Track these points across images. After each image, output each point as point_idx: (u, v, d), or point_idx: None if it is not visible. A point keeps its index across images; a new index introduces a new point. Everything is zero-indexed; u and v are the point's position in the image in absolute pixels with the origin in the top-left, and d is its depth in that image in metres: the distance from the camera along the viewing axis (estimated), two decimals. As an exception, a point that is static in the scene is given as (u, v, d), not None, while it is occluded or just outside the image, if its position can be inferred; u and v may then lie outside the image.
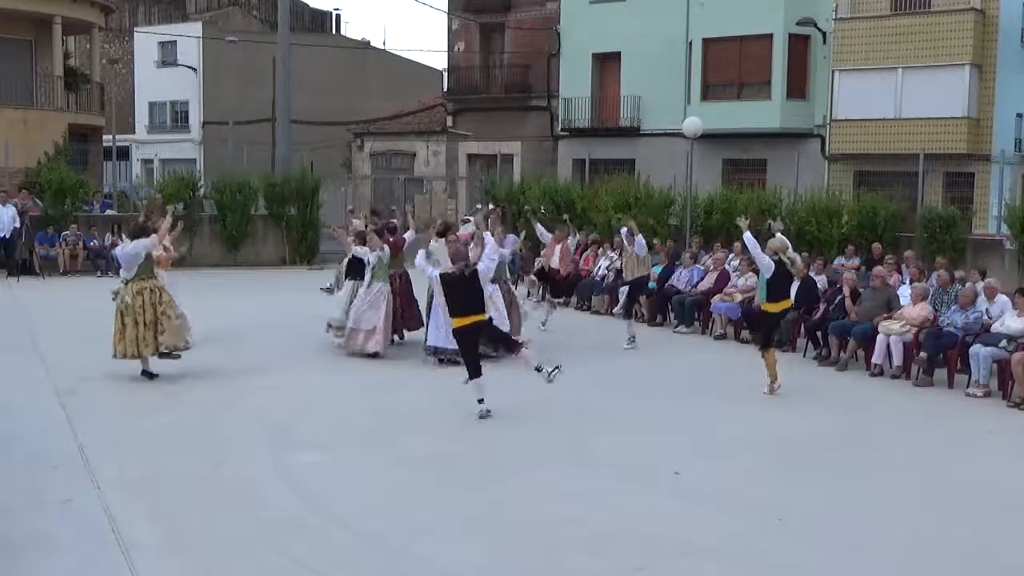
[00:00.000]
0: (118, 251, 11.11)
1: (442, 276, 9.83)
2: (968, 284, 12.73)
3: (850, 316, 12.88)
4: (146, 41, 46.09)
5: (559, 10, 30.17)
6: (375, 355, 12.46)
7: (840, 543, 6.59)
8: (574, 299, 18.01)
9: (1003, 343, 11.06)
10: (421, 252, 10.51)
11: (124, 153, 43.16)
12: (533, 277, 15.96)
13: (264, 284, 20.93)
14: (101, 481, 7.45)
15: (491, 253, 10.41)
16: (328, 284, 14.62)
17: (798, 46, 25.64)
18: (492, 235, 12.84)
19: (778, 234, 11.40)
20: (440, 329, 11.63)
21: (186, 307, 11.86)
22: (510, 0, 31.58)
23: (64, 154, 26.07)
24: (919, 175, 19.59)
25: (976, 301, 12.16)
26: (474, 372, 9.63)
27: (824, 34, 25.21)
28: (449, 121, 33.57)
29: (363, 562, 6.19)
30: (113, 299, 10.88)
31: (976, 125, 23.27)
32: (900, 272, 14.62)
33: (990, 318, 11.81)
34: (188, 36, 44.88)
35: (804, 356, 13.47)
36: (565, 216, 18.12)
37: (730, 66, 26.26)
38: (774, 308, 11.18)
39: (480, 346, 10.71)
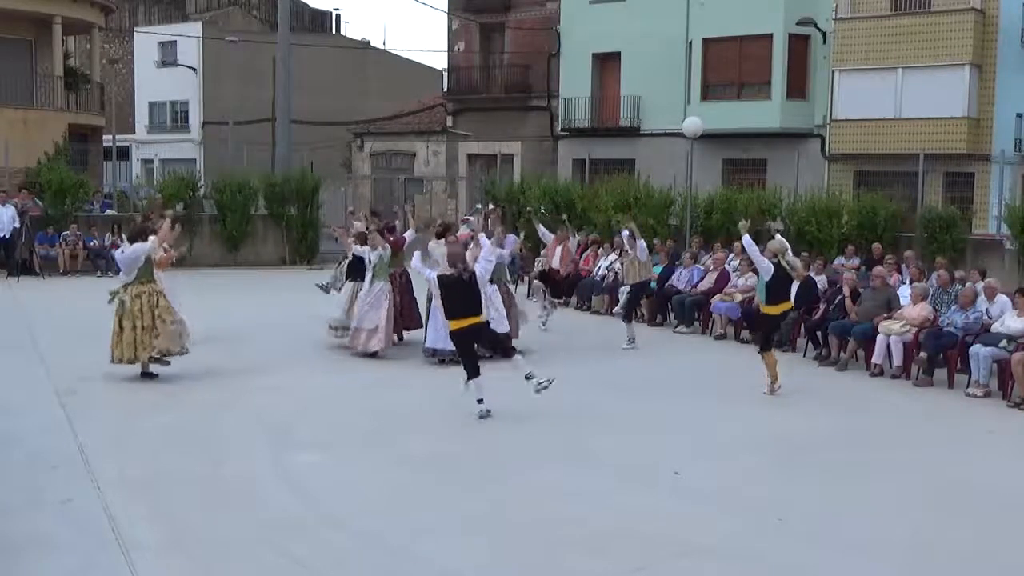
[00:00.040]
0: (117, 255, 11.09)
1: (440, 278, 9.83)
2: (968, 284, 12.73)
3: (850, 316, 12.88)
4: (146, 41, 46.08)
5: (559, 10, 30.15)
6: (375, 354, 12.46)
7: (840, 543, 6.59)
8: (574, 299, 18.01)
9: (1003, 343, 11.06)
10: (417, 254, 10.51)
11: (124, 153, 43.16)
12: (539, 282, 15.93)
13: (264, 284, 20.93)
14: (101, 481, 7.46)
15: (488, 255, 10.43)
16: (324, 282, 14.60)
17: (798, 46, 25.63)
18: (493, 235, 12.91)
19: (777, 236, 11.40)
20: (439, 331, 11.64)
21: (186, 307, 11.86)
22: (510, 0, 31.57)
23: (64, 154, 26.07)
24: (919, 175, 19.59)
25: (976, 301, 12.16)
26: (472, 373, 9.63)
27: (824, 34, 25.20)
28: (449, 121, 33.56)
29: (363, 562, 6.19)
30: (109, 301, 10.88)
31: (976, 125, 23.27)
32: (900, 272, 14.63)
33: (990, 318, 11.82)
34: (188, 36, 44.87)
35: (804, 356, 13.48)
36: (564, 217, 18.12)
37: (730, 66, 26.25)
38: (774, 310, 11.18)
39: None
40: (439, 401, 10.25)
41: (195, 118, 45.84)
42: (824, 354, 13.18)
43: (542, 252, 19.39)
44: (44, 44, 29.36)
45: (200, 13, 50.53)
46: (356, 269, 13.13)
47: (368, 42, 51.90)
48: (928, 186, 20.56)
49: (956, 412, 10.64)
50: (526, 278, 19.98)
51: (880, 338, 12.26)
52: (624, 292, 15.78)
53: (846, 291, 13.20)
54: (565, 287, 17.14)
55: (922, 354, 11.82)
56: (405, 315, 13.27)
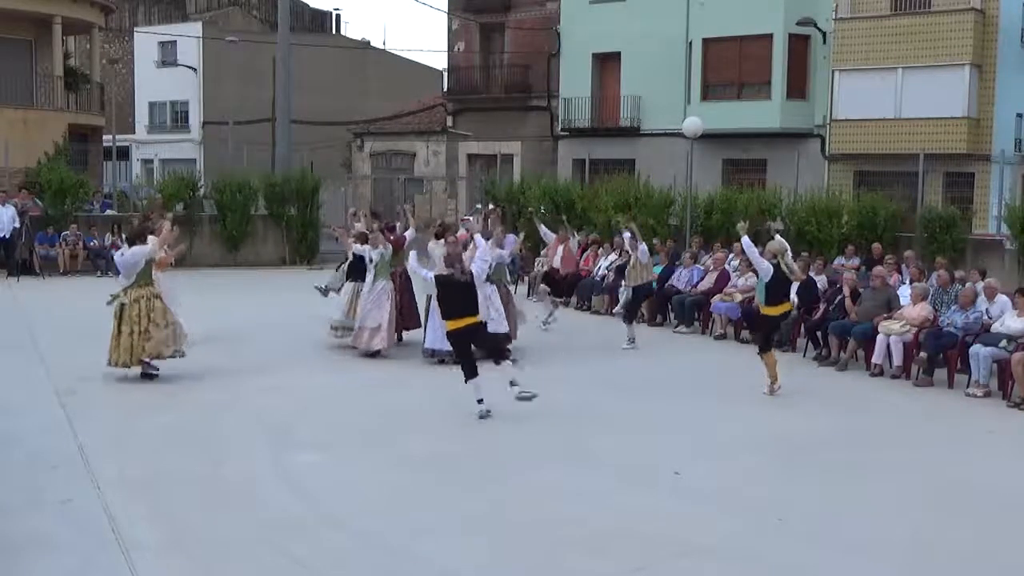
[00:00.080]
0: (116, 258, 11.07)
1: (437, 278, 9.83)
2: (968, 284, 12.73)
3: (850, 316, 12.88)
4: (146, 41, 46.08)
5: (559, 10, 30.15)
6: (378, 353, 12.48)
7: (840, 543, 6.59)
8: (574, 299, 18.01)
9: (1003, 343, 11.06)
10: (412, 254, 10.48)
11: (124, 153, 43.15)
12: (544, 286, 15.91)
13: (264, 284, 20.93)
14: (101, 481, 7.45)
15: (483, 255, 10.47)
16: (323, 284, 14.58)
17: (798, 46, 25.63)
18: (493, 235, 12.93)
19: (777, 236, 11.40)
20: (437, 331, 11.63)
21: (186, 307, 11.86)
22: (510, 0, 31.57)
23: (64, 154, 26.06)
24: (919, 175, 19.58)
25: (976, 301, 12.16)
26: (470, 373, 9.63)
27: (824, 34, 25.20)
28: (449, 121, 33.56)
29: (363, 562, 6.19)
30: (109, 303, 10.88)
31: (976, 125, 23.27)
32: (900, 272, 14.62)
33: (990, 318, 11.82)
34: (188, 36, 44.87)
35: (804, 356, 13.48)
36: (563, 218, 18.13)
37: (730, 66, 26.25)
38: (773, 311, 11.18)
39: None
40: (439, 401, 10.25)
41: (195, 118, 45.84)
42: (824, 354, 13.18)
43: (542, 252, 19.41)
44: (44, 44, 29.36)
45: (200, 13, 50.53)
46: (356, 269, 13.14)
47: (368, 42, 51.93)
48: (928, 186, 20.56)
49: (956, 412, 10.64)
50: (526, 278, 20.00)
51: (880, 338, 12.26)
52: (624, 292, 15.80)
53: (846, 291, 13.20)
54: (565, 287, 17.16)
55: (922, 354, 11.82)
56: (405, 315, 13.27)
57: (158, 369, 11.00)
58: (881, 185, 21.05)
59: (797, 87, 25.72)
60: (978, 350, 11.18)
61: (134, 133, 46.62)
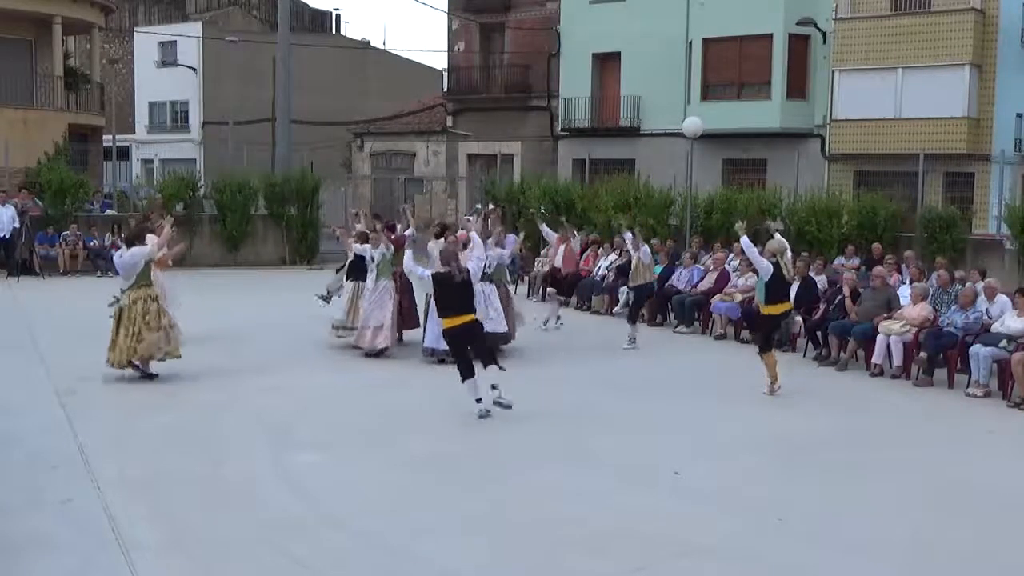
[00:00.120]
0: (116, 260, 11.03)
1: (434, 276, 9.82)
2: (968, 284, 12.73)
3: (850, 316, 12.88)
4: (146, 41, 46.09)
5: (559, 10, 30.15)
6: (384, 351, 12.50)
7: (840, 543, 6.59)
8: (574, 299, 18.01)
9: (1003, 343, 11.06)
10: (408, 252, 10.47)
11: (124, 153, 43.16)
12: (553, 289, 15.88)
13: (264, 284, 20.93)
14: (101, 481, 7.45)
15: (479, 253, 10.48)
16: (324, 292, 14.56)
17: (798, 46, 25.63)
18: (492, 235, 12.95)
19: (776, 235, 11.41)
20: (436, 330, 11.64)
21: (186, 307, 11.86)
22: (510, 0, 31.57)
23: (64, 154, 26.07)
24: (919, 175, 19.59)
25: (976, 301, 12.16)
26: (467, 373, 9.61)
27: (824, 34, 25.20)
28: (449, 121, 33.56)
29: (363, 562, 6.19)
30: (110, 305, 10.88)
31: (976, 125, 23.27)
32: (900, 272, 14.62)
33: (990, 318, 11.81)
34: (188, 36, 44.88)
35: (804, 356, 13.48)
36: (563, 219, 18.12)
37: (730, 66, 26.25)
38: (773, 311, 11.18)
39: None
40: (439, 401, 10.24)
41: (195, 118, 45.85)
42: (824, 354, 13.18)
43: (542, 252, 19.42)
44: (44, 44, 29.36)
45: (200, 13, 50.54)
46: (357, 269, 13.14)
47: (368, 42, 51.94)
48: (928, 186, 20.56)
49: (956, 412, 10.64)
50: (526, 278, 20.01)
51: (880, 338, 12.26)
52: (624, 292, 15.82)
53: (846, 291, 13.20)
54: (566, 287, 17.16)
55: (922, 354, 11.82)
56: (404, 315, 13.28)
57: (156, 373, 11.00)
58: (881, 185, 21.05)
59: (797, 87, 25.72)
60: (978, 350, 11.18)
61: (134, 133, 46.63)
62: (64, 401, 9.94)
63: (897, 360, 12.09)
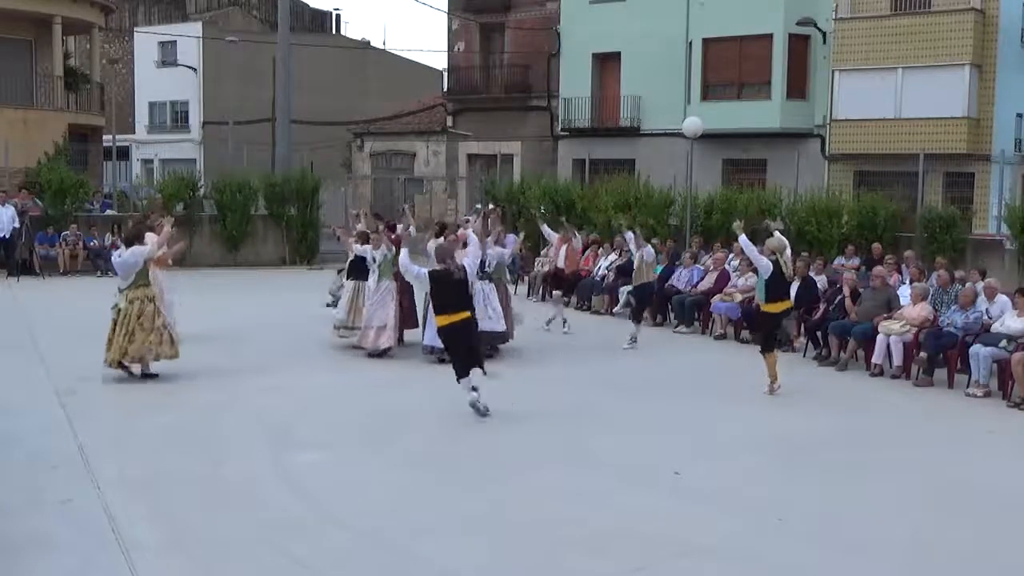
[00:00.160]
0: (115, 260, 11.00)
1: (431, 273, 9.82)
2: (968, 284, 12.73)
3: (850, 316, 12.88)
4: (146, 41, 46.09)
5: (559, 10, 30.15)
6: (387, 351, 12.50)
7: (840, 543, 6.59)
8: (574, 299, 18.00)
9: (1003, 343, 11.06)
10: (404, 251, 10.46)
11: (124, 153, 43.16)
12: (559, 292, 15.84)
13: (264, 284, 20.93)
14: (101, 481, 7.45)
15: (474, 251, 10.49)
16: (330, 299, 14.55)
17: (798, 46, 25.63)
18: (492, 233, 12.95)
19: (776, 233, 11.43)
20: (435, 329, 11.64)
21: (186, 307, 11.86)
22: (510, 0, 31.57)
23: (64, 154, 26.08)
24: (919, 175, 19.59)
25: (976, 301, 12.16)
26: (462, 372, 9.60)
27: (824, 34, 25.20)
28: (449, 121, 33.56)
29: (363, 562, 6.19)
30: (113, 307, 10.88)
31: (976, 125, 23.27)
32: (900, 272, 14.63)
33: (990, 318, 11.81)
34: (188, 36, 44.88)
35: (804, 356, 13.47)
36: (563, 219, 18.12)
37: (730, 66, 26.25)
38: (774, 309, 11.18)
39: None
40: (439, 401, 10.24)
41: (195, 118, 45.86)
42: (824, 354, 13.18)
43: (542, 252, 19.42)
44: (44, 44, 29.36)
45: (200, 13, 50.54)
46: (357, 269, 13.14)
47: (368, 42, 51.94)
48: (928, 186, 20.56)
49: (956, 412, 10.64)
50: (526, 278, 20.01)
51: (880, 338, 12.26)
52: (624, 292, 15.80)
53: (846, 291, 13.20)
54: (566, 287, 17.14)
55: (922, 354, 11.82)
56: (404, 315, 13.28)
57: (156, 373, 10.99)
58: (881, 185, 21.06)
59: (797, 87, 25.71)
60: (978, 350, 11.18)
61: (134, 133, 46.63)
62: (64, 401, 9.94)
63: (897, 360, 12.09)
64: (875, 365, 12.30)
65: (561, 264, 16.70)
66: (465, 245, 11.70)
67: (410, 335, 13.43)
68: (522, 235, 17.32)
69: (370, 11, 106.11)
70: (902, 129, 23.55)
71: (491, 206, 17.40)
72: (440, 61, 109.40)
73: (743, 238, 11.27)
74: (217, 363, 11.85)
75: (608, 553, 6.31)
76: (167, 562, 6.08)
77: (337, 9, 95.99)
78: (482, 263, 12.37)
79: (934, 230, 17.64)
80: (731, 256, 16.21)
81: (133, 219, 14.42)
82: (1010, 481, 8.14)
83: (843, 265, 15.72)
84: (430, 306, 11.80)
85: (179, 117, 46.72)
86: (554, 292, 15.97)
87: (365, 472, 8.01)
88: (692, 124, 19.96)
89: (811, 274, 14.29)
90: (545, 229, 17.14)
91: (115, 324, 10.73)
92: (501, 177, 27.00)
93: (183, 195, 23.74)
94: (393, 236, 13.22)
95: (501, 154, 30.10)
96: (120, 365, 10.83)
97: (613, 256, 17.94)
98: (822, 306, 13.53)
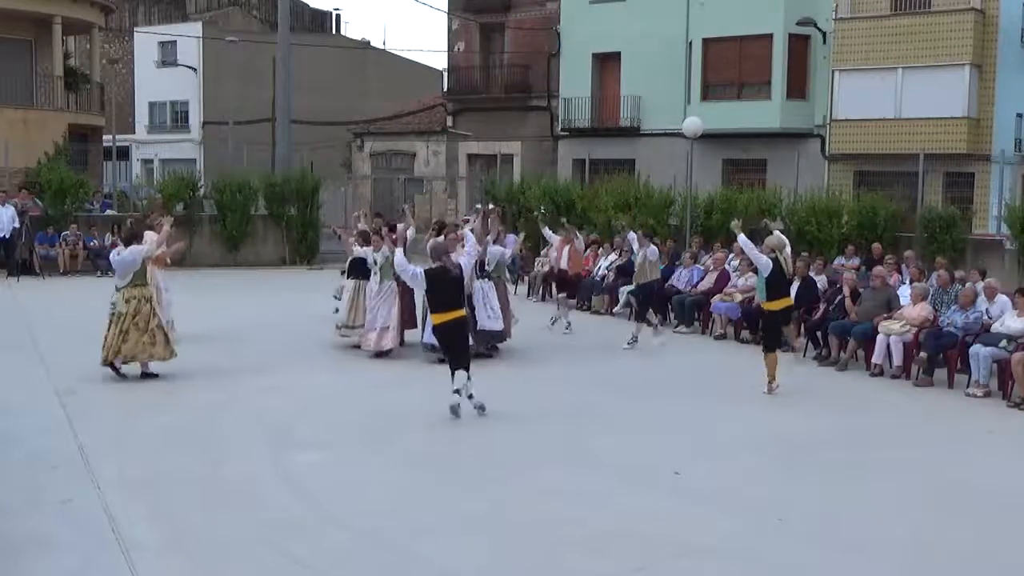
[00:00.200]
0: (113, 258, 11.00)
1: (427, 271, 9.82)
2: (968, 284, 12.73)
3: (850, 316, 12.88)
4: (146, 41, 46.09)
5: (559, 10, 30.16)
6: (389, 352, 12.50)
7: (840, 543, 6.59)
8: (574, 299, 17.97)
9: (1003, 343, 11.06)
10: (399, 251, 10.45)
11: (124, 153, 43.16)
12: (564, 295, 15.81)
13: (264, 284, 20.93)
14: (101, 481, 7.45)
15: (471, 250, 10.51)
16: (338, 308, 14.55)
17: (798, 46, 25.63)
18: (491, 232, 12.95)
19: (776, 232, 11.43)
20: None
21: (186, 307, 11.86)
22: (510, 0, 31.57)
23: (64, 154, 26.07)
24: (919, 175, 19.59)
25: (976, 301, 12.16)
26: (462, 367, 9.59)
27: (824, 34, 25.20)
28: (449, 121, 33.57)
29: (363, 562, 6.19)
30: (109, 306, 10.88)
31: (976, 125, 23.27)
32: (900, 272, 14.62)
33: (990, 318, 11.81)
34: (188, 36, 44.88)
35: (804, 356, 13.47)
36: (563, 220, 18.11)
37: (730, 66, 26.25)
38: (774, 307, 11.19)
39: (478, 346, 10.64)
40: (439, 401, 10.20)
41: (195, 118, 45.86)
42: (824, 354, 13.18)
43: (542, 252, 19.39)
44: (44, 44, 29.36)
45: (200, 13, 50.54)
46: (357, 268, 13.14)
47: (368, 42, 51.94)
48: (928, 186, 20.56)
49: (956, 412, 10.64)
50: (526, 278, 20.00)
51: (880, 338, 12.26)
52: (624, 292, 15.79)
53: (846, 291, 13.20)
54: (571, 289, 17.08)
55: (922, 354, 11.82)
56: (404, 316, 13.27)
57: (156, 373, 10.99)
58: (881, 185, 21.06)
59: (797, 87, 25.72)
60: (978, 350, 11.17)
61: (134, 133, 46.64)
62: (64, 401, 9.94)
63: (897, 360, 12.09)
64: (875, 365, 12.30)
65: (564, 266, 16.66)
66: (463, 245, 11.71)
67: (410, 335, 13.43)
68: (522, 235, 17.30)
69: (370, 11, 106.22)
70: (902, 129, 23.55)
71: (491, 206, 17.38)
72: (440, 61, 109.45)
73: (742, 237, 11.28)
74: (217, 363, 11.85)
75: (608, 553, 6.31)
76: (167, 562, 6.08)
77: (337, 9, 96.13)
78: (481, 262, 12.40)
79: (934, 230, 17.63)
80: (731, 256, 16.21)
81: (133, 219, 14.41)
82: (1010, 481, 8.14)
83: (843, 265, 15.72)
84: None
85: (179, 117, 46.73)
86: (560, 295, 15.90)
87: (365, 472, 8.01)
88: (692, 124, 19.96)
89: (811, 274, 14.29)
90: (546, 232, 17.11)
91: (110, 323, 10.73)
92: (501, 177, 27.00)
93: (183, 195, 23.75)
94: (394, 236, 13.19)
95: (501, 154, 30.10)
96: (111, 365, 10.81)
97: (613, 256, 17.93)
98: (822, 306, 13.53)
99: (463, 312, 9.81)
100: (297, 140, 29.46)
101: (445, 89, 34.73)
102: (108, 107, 34.58)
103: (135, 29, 48.00)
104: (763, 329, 11.85)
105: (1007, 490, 7.89)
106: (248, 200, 24.47)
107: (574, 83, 29.71)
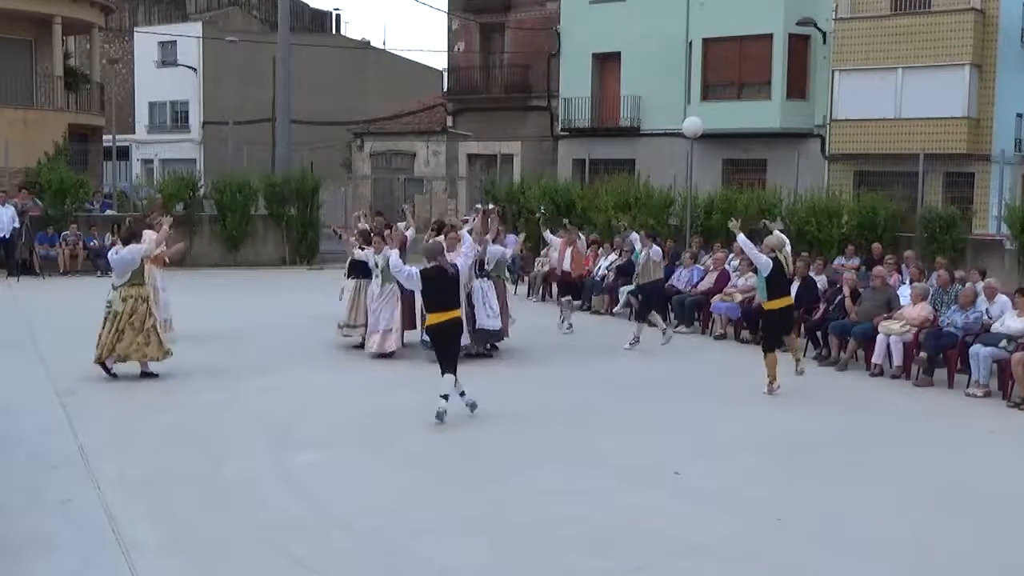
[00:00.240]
0: (112, 257, 10.99)
1: (423, 271, 9.81)
2: (968, 284, 12.73)
3: (850, 316, 12.88)
4: (146, 41, 46.09)
5: (559, 10, 30.17)
6: (391, 354, 12.50)
7: (840, 543, 6.59)
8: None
9: (1003, 343, 11.06)
10: (394, 252, 10.45)
11: (124, 153, 43.16)
12: (568, 298, 15.79)
13: (264, 284, 20.93)
14: (101, 481, 7.45)
15: (468, 250, 10.51)
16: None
17: (798, 46, 25.64)
18: (491, 233, 12.95)
19: (776, 231, 11.42)
20: None
21: (185, 307, 11.85)
22: (510, 0, 31.57)
23: (64, 154, 26.08)
24: (919, 175, 19.59)
25: (976, 301, 12.16)
26: (449, 369, 9.56)
27: (824, 34, 25.21)
28: (449, 121, 33.57)
29: (363, 562, 6.19)
30: (106, 305, 10.88)
31: (976, 125, 23.28)
32: (900, 272, 14.63)
33: (990, 318, 11.81)
34: (188, 36, 44.88)
35: (804, 356, 13.44)
36: (565, 220, 18.11)
37: (730, 66, 26.26)
38: (774, 306, 11.18)
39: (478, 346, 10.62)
40: (439, 401, 10.22)
41: (195, 118, 45.86)
42: (824, 354, 13.18)
43: (542, 252, 19.39)
44: (44, 44, 29.36)
45: (200, 13, 50.54)
46: (358, 268, 13.14)
47: (368, 42, 51.95)
48: (928, 186, 20.57)
49: (956, 412, 10.64)
50: (526, 278, 20.00)
51: (880, 338, 12.26)
52: (624, 292, 15.79)
53: (846, 291, 13.20)
54: (575, 290, 17.07)
55: (922, 354, 11.82)
56: (404, 316, 13.27)
57: (156, 373, 10.99)
58: (881, 185, 21.06)
59: (797, 87, 25.72)
60: (978, 350, 11.17)
61: (134, 133, 46.64)
62: (64, 401, 9.94)
63: (897, 360, 12.09)
64: (875, 365, 12.30)
65: (567, 267, 16.66)
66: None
67: (410, 335, 13.43)
68: (523, 235, 17.30)
69: (370, 11, 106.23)
70: (902, 129, 23.55)
71: (491, 205, 17.38)
72: (440, 61, 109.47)
73: (741, 237, 11.28)
74: (217, 363, 11.85)
75: (608, 553, 6.31)
76: (167, 562, 6.08)
77: (337, 9, 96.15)
78: (481, 261, 12.41)
79: (934, 230, 17.64)
80: (731, 256, 16.21)
81: (132, 218, 14.41)
82: (1010, 481, 8.14)
83: (843, 265, 15.72)
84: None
85: (179, 117, 46.73)
86: (563, 298, 15.87)
87: (365, 472, 8.01)
88: (692, 124, 19.97)
89: (811, 274, 14.28)
90: (547, 235, 17.09)
91: (104, 321, 10.73)
92: (501, 177, 27.00)
93: (183, 195, 23.75)
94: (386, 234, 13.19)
95: (501, 154, 30.11)
96: (102, 364, 10.81)
97: (613, 256, 17.93)
98: (822, 306, 13.53)
99: (459, 312, 9.80)
100: (297, 140, 29.46)
101: (445, 89, 34.73)
102: (108, 107, 34.58)
103: (135, 29, 48.00)
104: (763, 329, 11.86)
105: (1007, 490, 7.89)
106: (248, 200, 24.47)
107: (574, 83, 29.72)
